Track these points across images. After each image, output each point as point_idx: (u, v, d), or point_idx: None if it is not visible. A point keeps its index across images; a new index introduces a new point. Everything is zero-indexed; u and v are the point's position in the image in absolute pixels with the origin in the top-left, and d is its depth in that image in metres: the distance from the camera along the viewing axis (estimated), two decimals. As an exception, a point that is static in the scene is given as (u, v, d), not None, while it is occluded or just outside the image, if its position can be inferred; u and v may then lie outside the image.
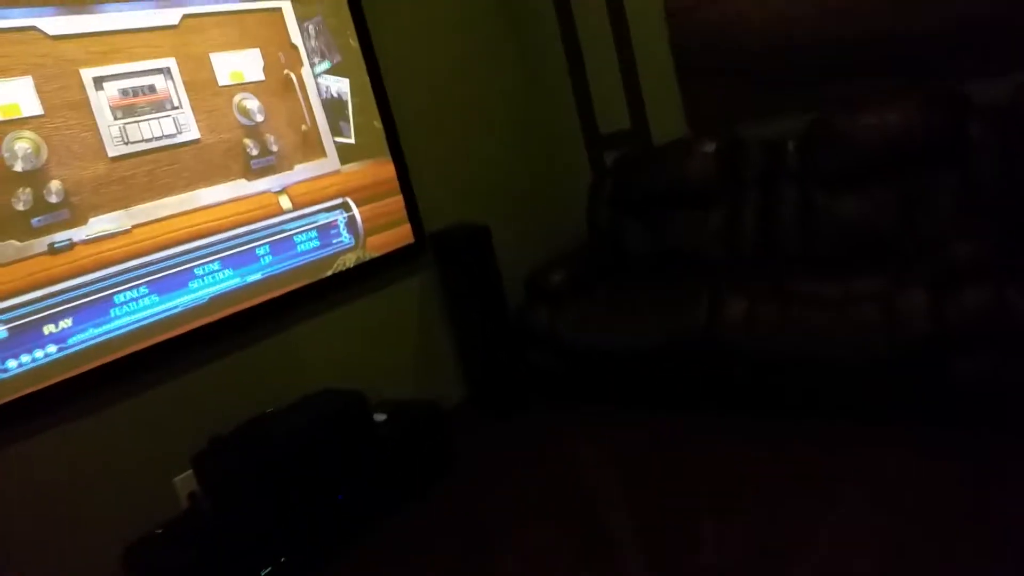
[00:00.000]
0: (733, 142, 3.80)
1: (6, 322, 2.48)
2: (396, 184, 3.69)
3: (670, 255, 3.88)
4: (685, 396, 3.36)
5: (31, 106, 2.57)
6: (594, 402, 3.65)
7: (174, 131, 2.92)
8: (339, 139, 3.48)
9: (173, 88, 2.93)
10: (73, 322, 2.62)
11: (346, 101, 3.52)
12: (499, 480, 3.20)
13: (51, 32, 2.63)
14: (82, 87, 2.69)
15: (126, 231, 2.76)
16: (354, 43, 3.56)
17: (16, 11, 2.55)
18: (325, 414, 2.99)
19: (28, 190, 2.54)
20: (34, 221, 2.55)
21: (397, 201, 3.69)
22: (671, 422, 3.29)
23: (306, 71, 3.38)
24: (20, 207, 2.53)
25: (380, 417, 3.22)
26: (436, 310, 3.88)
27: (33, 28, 2.59)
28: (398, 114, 3.71)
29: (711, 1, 3.80)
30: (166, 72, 2.92)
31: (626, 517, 2.80)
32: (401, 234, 3.70)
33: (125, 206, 2.77)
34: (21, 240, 2.52)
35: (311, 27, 3.40)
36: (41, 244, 2.57)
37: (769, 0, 3.64)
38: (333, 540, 2.90)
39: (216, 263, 3.01)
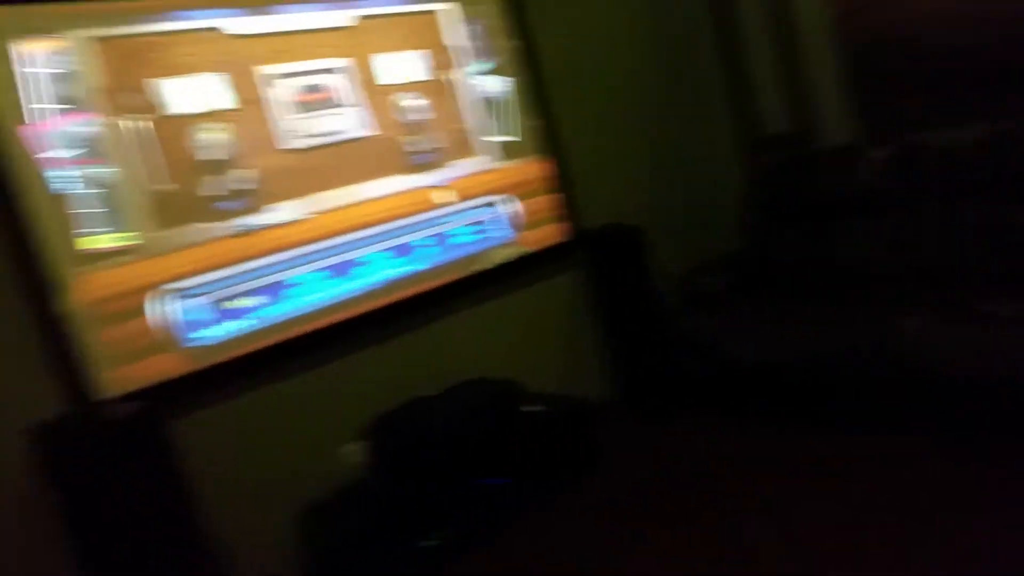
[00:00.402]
0: (908, 149, 3.55)
1: (202, 296, 2.71)
2: (551, 182, 3.73)
3: (832, 265, 3.67)
4: (849, 413, 3.14)
5: (221, 100, 2.81)
6: (746, 414, 3.49)
7: (344, 127, 3.10)
8: (497, 137, 3.57)
9: (343, 87, 3.11)
10: (258, 299, 2.83)
11: (504, 100, 3.61)
12: (640, 482, 3.13)
13: (230, 32, 2.86)
14: (263, 84, 2.91)
15: (303, 219, 2.96)
16: (513, 43, 3.64)
17: (199, 13, 2.80)
18: (480, 400, 3.08)
19: (216, 178, 2.78)
20: (221, 206, 2.78)
21: (552, 199, 3.73)
22: (831, 441, 3.07)
23: (466, 71, 3.49)
24: (210, 193, 2.76)
25: (531, 408, 3.25)
26: (585, 308, 3.88)
27: (214, 29, 2.83)
28: (555, 113, 3.76)
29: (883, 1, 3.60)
30: (339, 71, 3.10)
31: (773, 536, 2.63)
32: (555, 231, 3.73)
33: (301, 195, 2.97)
34: (211, 223, 2.75)
35: (473, 28, 3.52)
36: (228, 227, 2.79)
37: (948, -2, 3.40)
38: (482, 523, 2.95)
39: (380, 253, 3.15)
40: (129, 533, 2.26)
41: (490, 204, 3.52)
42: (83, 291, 2.50)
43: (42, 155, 2.44)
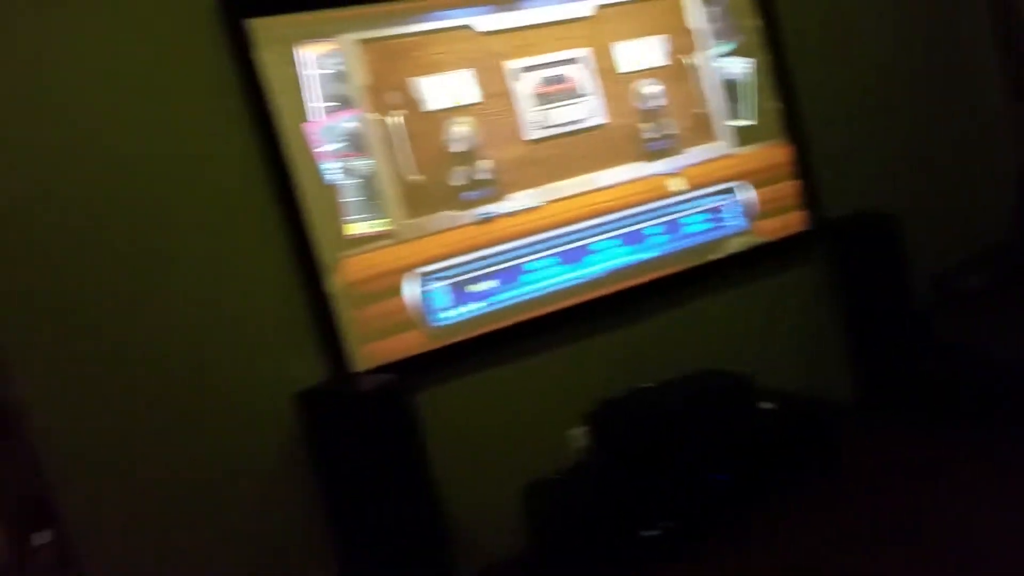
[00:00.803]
0: None
1: (445, 279, 2.87)
2: (792, 168, 3.52)
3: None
4: None
5: (469, 95, 2.93)
6: (1004, 422, 3.10)
7: (583, 116, 3.12)
8: (735, 122, 3.43)
9: (584, 76, 3.13)
10: (494, 283, 2.95)
11: (745, 83, 3.45)
12: (880, 493, 2.90)
13: (481, 29, 2.97)
14: (509, 77, 3.00)
15: (539, 207, 3.03)
16: (756, 23, 3.47)
17: (452, 12, 2.93)
18: (712, 392, 3.00)
19: (462, 168, 2.91)
20: (466, 195, 2.92)
21: (792, 186, 3.52)
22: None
23: (705, 54, 3.38)
24: (456, 183, 2.90)
25: (765, 405, 3.11)
26: (827, 303, 3.63)
27: (466, 27, 2.95)
28: (799, 94, 3.54)
29: None
30: (578, 61, 3.13)
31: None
32: (794, 220, 3.53)
33: (539, 184, 3.04)
34: (456, 211, 2.90)
35: (713, 9, 3.39)
36: (470, 215, 2.92)
37: None
38: (706, 517, 2.88)
39: (612, 240, 3.16)
40: (372, 493, 2.47)
41: (725, 192, 3.39)
42: (345, 273, 2.73)
43: (316, 149, 2.69)
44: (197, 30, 2.57)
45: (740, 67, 3.44)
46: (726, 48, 3.42)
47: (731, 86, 3.42)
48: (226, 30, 2.59)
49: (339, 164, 2.73)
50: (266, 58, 2.62)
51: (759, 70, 3.46)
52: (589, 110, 3.14)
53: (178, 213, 2.55)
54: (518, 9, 3.03)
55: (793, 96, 3.52)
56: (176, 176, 2.55)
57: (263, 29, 2.61)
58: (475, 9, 2.97)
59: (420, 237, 2.85)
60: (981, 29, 3.84)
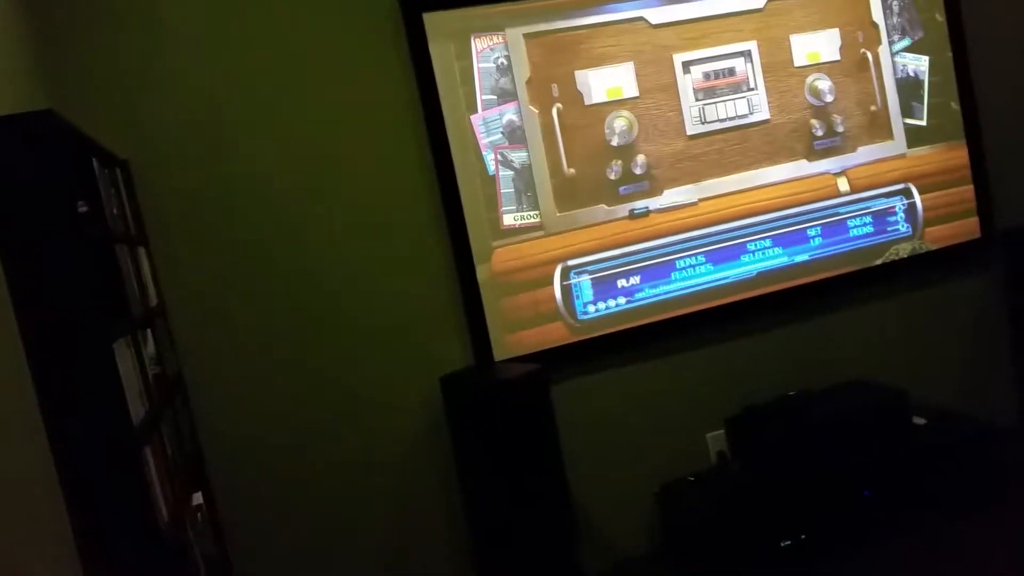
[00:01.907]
0: None
1: (592, 273, 2.83)
2: (968, 172, 3.24)
3: None
4: None
5: (630, 88, 2.85)
6: None
7: (747, 111, 2.98)
8: (909, 120, 3.18)
9: (751, 70, 2.98)
10: (641, 279, 2.88)
11: (923, 80, 3.19)
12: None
13: (654, 21, 2.87)
14: (673, 71, 2.90)
15: (693, 204, 2.93)
16: (940, 18, 3.19)
17: (628, 4, 2.84)
18: (863, 405, 2.84)
19: (619, 162, 2.84)
20: (621, 189, 2.85)
21: (967, 191, 3.25)
22: None
23: (883, 49, 3.14)
24: (612, 176, 2.84)
25: (920, 421, 2.91)
26: (998, 318, 3.34)
27: (640, 19, 2.86)
28: (982, 94, 3.24)
29: None
30: (747, 55, 2.98)
31: None
32: (966, 227, 3.26)
33: (696, 180, 2.93)
34: (610, 205, 2.84)
35: (895, 3, 3.14)
36: (624, 209, 2.86)
37: None
38: (849, 534, 2.74)
39: (768, 240, 3.01)
40: (507, 480, 2.49)
41: (892, 194, 3.16)
42: (495, 262, 2.74)
43: (478, 141, 2.70)
44: (378, 22, 2.62)
45: (920, 64, 3.17)
46: (907, 43, 3.16)
47: (909, 83, 3.17)
48: (405, 23, 2.62)
49: (497, 155, 2.73)
50: (437, 51, 2.63)
51: (939, 67, 3.19)
52: (754, 105, 2.99)
53: (348, 195, 2.63)
54: (691, 1, 2.91)
55: (972, 96, 3.22)
56: (350, 159, 2.62)
57: (437, 23, 2.63)
58: (649, 1, 2.87)
59: (571, 230, 2.81)
60: None
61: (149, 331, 2.00)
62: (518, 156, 2.75)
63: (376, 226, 2.66)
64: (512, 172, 2.75)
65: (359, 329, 2.65)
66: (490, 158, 2.72)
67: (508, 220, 2.75)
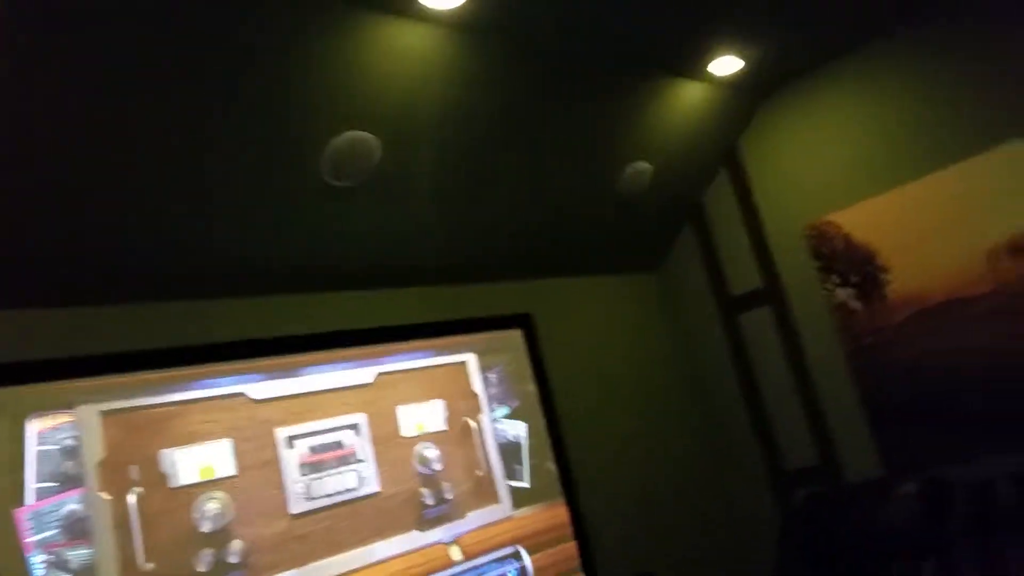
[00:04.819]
0: (935, 483, 3.20)
1: None
2: (569, 529, 3.32)
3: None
4: None
5: (225, 467, 2.54)
6: None
7: (356, 485, 2.79)
8: (513, 482, 3.24)
9: (360, 442, 2.86)
10: None
11: (521, 444, 3.33)
12: None
13: (256, 397, 2.67)
14: (275, 446, 2.66)
15: (299, 592, 2.55)
16: (532, 388, 3.45)
17: (227, 380, 2.63)
18: None
19: (211, 551, 2.42)
20: (213, 583, 2.40)
21: (571, 548, 3.29)
22: None
23: (484, 417, 3.26)
24: (202, 568, 2.39)
25: None
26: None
27: (240, 394, 2.65)
28: (573, 455, 3.46)
29: (891, 341, 3.45)
30: (356, 427, 2.87)
31: None
32: (575, 585, 3.25)
33: (302, 564, 2.58)
34: (197, 604, 2.35)
35: (492, 375, 3.35)
36: (216, 607, 2.38)
37: (948, 334, 3.25)
38: None
39: (384, 625, 2.69)
40: None
41: (503, 559, 3.09)
42: None
43: (26, 539, 2.12)
44: None
45: (518, 430, 3.33)
46: (505, 412, 3.33)
47: (510, 448, 3.28)
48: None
49: (49, 556, 2.16)
50: (-22, 432, 2.13)
51: (536, 432, 3.38)
52: (364, 477, 2.82)
53: None
54: (296, 376, 2.79)
55: (566, 457, 3.42)
56: None
57: (-19, 399, 2.16)
58: (248, 376, 2.68)
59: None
60: (733, 400, 4.07)
61: None
62: (77, 555, 2.20)
63: None
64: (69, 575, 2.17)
65: None
66: (38, 560, 2.13)
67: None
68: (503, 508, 3.16)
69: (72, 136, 2.04)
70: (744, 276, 3.96)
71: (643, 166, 3.56)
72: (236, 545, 2.47)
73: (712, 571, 3.76)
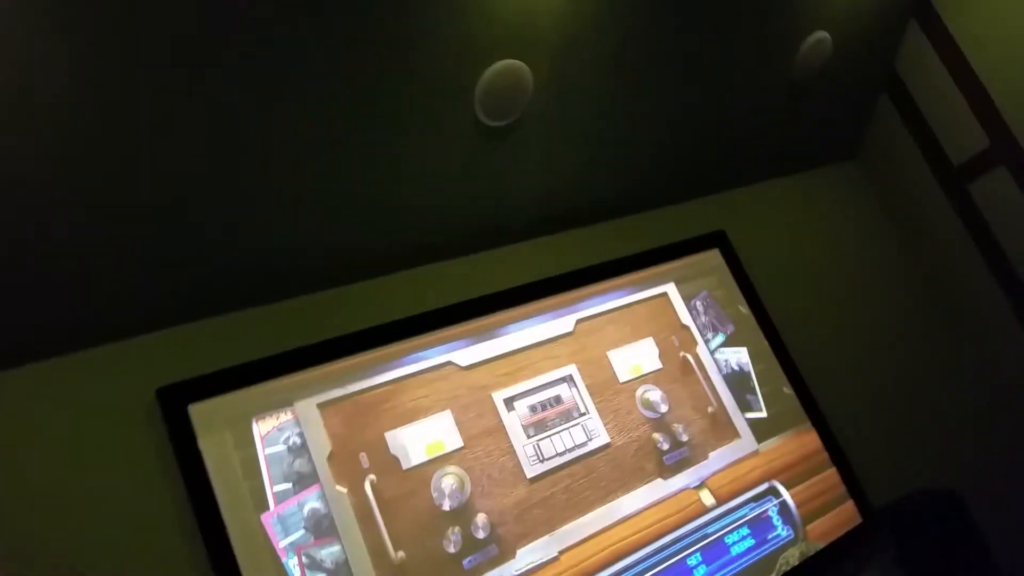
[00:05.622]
0: None
1: None
2: (824, 455, 2.91)
3: None
4: None
5: (453, 439, 2.36)
6: None
7: (584, 439, 2.55)
8: (750, 414, 2.87)
9: (577, 395, 2.61)
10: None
11: (748, 371, 2.96)
12: None
13: (464, 363, 2.48)
14: (495, 411, 2.46)
15: (555, 559, 2.33)
16: (744, 309, 3.06)
17: (433, 350, 2.46)
18: None
19: (457, 529, 2.25)
20: (466, 563, 2.22)
21: (832, 475, 2.88)
22: None
23: (701, 349, 2.91)
24: (452, 549, 2.22)
25: None
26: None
27: (449, 363, 2.47)
28: (809, 374, 3.03)
29: None
30: (569, 380, 2.62)
31: None
32: (845, 515, 2.84)
33: (550, 530, 2.37)
34: (448, 586, 2.19)
35: (698, 303, 2.99)
36: (469, 586, 2.21)
37: None
38: None
39: (647, 583, 2.42)
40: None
41: (759, 497, 2.73)
42: None
43: (274, 545, 2.03)
44: (131, 425, 2.04)
45: (741, 356, 2.96)
46: (721, 339, 2.96)
47: (737, 377, 2.92)
48: (166, 421, 2.06)
49: (301, 558, 2.05)
50: (211, 445, 2.06)
51: (761, 355, 2.99)
52: (591, 430, 2.57)
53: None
54: (497, 336, 2.58)
55: (801, 378, 3.01)
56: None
57: (206, 413, 2.09)
58: (452, 344, 2.50)
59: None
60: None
61: None
62: (329, 553, 2.09)
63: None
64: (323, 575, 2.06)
65: None
66: (292, 564, 2.04)
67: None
68: (746, 443, 2.81)
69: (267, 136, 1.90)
70: (964, 139, 3.34)
71: (821, 35, 3.06)
72: (481, 519, 2.29)
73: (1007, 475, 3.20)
